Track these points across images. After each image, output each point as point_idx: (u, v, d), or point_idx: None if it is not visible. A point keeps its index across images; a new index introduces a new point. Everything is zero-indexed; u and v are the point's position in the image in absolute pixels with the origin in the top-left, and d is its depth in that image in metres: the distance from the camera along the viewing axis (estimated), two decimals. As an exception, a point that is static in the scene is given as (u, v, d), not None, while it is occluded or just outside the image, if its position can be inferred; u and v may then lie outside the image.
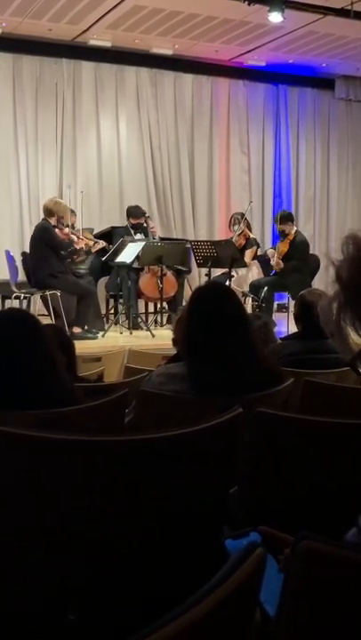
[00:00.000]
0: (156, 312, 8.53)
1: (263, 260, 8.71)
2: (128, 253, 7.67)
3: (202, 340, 2.48)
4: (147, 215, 8.94)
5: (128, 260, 7.66)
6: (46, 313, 7.36)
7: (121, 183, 10.21)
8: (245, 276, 8.64)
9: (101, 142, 10.16)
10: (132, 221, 8.68)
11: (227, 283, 7.33)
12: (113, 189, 10.15)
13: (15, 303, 7.46)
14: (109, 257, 7.95)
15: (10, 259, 7.89)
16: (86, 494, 1.59)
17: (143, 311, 8.94)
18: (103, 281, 8.85)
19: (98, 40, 9.40)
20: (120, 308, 8.44)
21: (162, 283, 8.03)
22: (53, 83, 9.85)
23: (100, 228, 9.16)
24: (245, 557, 0.90)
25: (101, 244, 8.15)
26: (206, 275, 8.15)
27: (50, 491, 1.58)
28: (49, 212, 7.55)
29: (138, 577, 1.61)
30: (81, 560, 1.59)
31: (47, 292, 7.26)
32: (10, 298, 7.73)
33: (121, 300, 8.36)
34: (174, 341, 3.41)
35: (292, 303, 6.97)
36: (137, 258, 7.74)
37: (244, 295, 7.98)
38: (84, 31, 9.06)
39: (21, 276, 7.84)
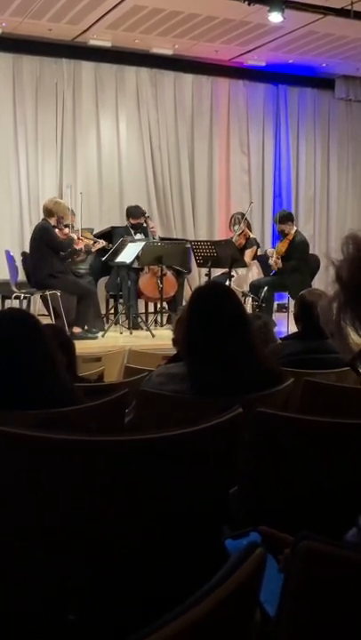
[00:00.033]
0: (156, 312, 8.53)
1: (263, 260, 8.71)
2: (128, 253, 7.67)
3: (202, 340, 2.48)
4: (146, 215, 8.94)
5: (128, 260, 7.66)
6: (46, 313, 7.36)
7: (121, 183, 10.21)
8: (245, 276, 8.64)
9: (101, 142, 10.16)
10: (132, 221, 8.68)
11: (227, 283, 7.33)
12: (113, 189, 10.15)
13: (15, 303, 7.46)
14: (109, 257, 7.96)
15: (10, 259, 7.89)
16: (86, 494, 1.59)
17: (143, 311, 8.94)
18: (103, 281, 8.85)
19: (98, 40, 9.40)
20: (120, 307, 8.44)
21: (162, 283, 8.04)
22: (53, 83, 9.85)
23: (100, 228, 9.16)
24: (245, 557, 0.90)
25: (101, 243, 8.15)
26: (206, 275, 8.15)
27: (50, 491, 1.58)
28: (49, 212, 7.55)
29: (138, 577, 1.61)
30: (81, 560, 1.59)
31: (47, 292, 7.26)
32: (10, 298, 7.73)
33: (121, 300, 8.36)
34: (174, 341, 3.41)
35: (292, 303, 6.97)
36: (137, 258, 7.74)
37: (244, 295, 7.98)
38: (84, 31, 9.06)
39: (21, 276, 7.84)
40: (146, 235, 8.67)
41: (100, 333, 7.41)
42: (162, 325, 8.18)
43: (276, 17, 8.11)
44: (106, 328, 7.67)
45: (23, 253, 8.09)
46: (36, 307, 7.49)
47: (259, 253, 8.89)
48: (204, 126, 10.75)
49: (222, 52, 9.96)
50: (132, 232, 8.54)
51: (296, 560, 0.96)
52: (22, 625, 1.57)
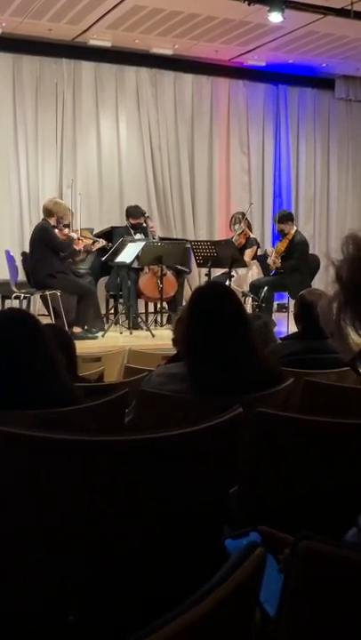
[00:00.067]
0: (156, 312, 8.53)
1: (263, 260, 8.71)
2: (128, 253, 7.67)
3: (202, 340, 2.48)
4: (146, 215, 8.94)
5: (128, 260, 7.66)
6: (46, 313, 7.36)
7: (121, 183, 10.21)
8: (245, 276, 8.64)
9: (101, 142, 10.16)
10: (132, 221, 8.68)
11: (227, 283, 7.33)
12: (113, 189, 10.15)
13: (15, 303, 7.46)
14: (109, 257, 7.96)
15: (10, 259, 7.89)
16: (86, 494, 1.59)
17: (143, 311, 8.94)
18: (103, 281, 8.85)
19: (98, 40, 9.40)
20: (120, 307, 8.44)
21: (162, 283, 8.04)
22: (53, 83, 9.85)
23: (100, 228, 9.16)
24: (245, 557, 0.90)
25: (101, 242, 8.15)
26: (206, 275, 8.15)
27: (50, 491, 1.58)
28: (48, 212, 7.55)
29: (138, 577, 1.61)
30: (81, 560, 1.59)
31: (47, 292, 7.27)
32: (10, 298, 7.73)
33: (121, 300, 8.36)
34: (174, 341, 3.41)
35: (292, 303, 6.97)
36: (137, 258, 7.74)
37: (244, 295, 7.98)
38: (84, 31, 9.06)
39: (21, 276, 7.84)
40: (146, 235, 8.67)
41: (100, 333, 7.42)
42: (162, 325, 8.18)
43: (276, 17, 8.11)
44: (106, 328, 7.67)
45: (23, 253, 8.09)
46: (36, 307, 7.49)
47: (259, 253, 8.89)
48: (204, 126, 10.75)
49: (222, 52, 9.96)
50: (132, 232, 8.54)
51: (296, 560, 0.96)
52: (22, 625, 1.57)
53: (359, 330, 1.20)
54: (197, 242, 8.44)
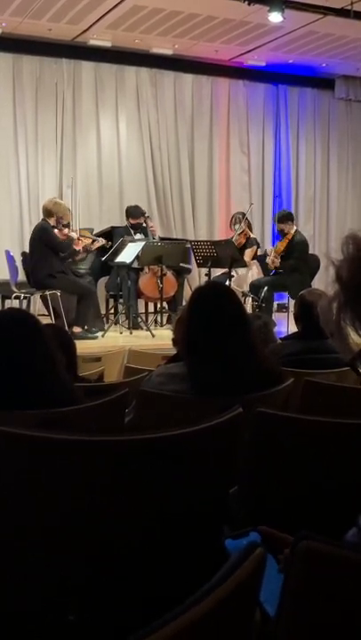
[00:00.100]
0: (156, 312, 8.53)
1: (263, 260, 8.72)
2: (128, 253, 7.67)
3: (202, 340, 2.48)
4: (146, 215, 8.94)
5: (128, 260, 7.67)
6: (46, 313, 7.36)
7: (121, 183, 10.21)
8: (245, 276, 8.64)
9: (101, 142, 10.16)
10: (132, 221, 8.68)
11: (227, 283, 7.33)
12: (113, 189, 10.15)
13: (15, 303, 7.46)
14: (109, 257, 7.96)
15: (10, 259, 7.89)
16: (86, 494, 1.59)
17: (143, 311, 8.94)
18: (103, 281, 8.86)
19: (98, 40, 9.40)
20: (120, 307, 8.44)
21: (162, 283, 8.04)
22: (53, 83, 9.85)
23: (100, 228, 9.16)
24: (245, 557, 0.90)
25: (100, 241, 8.15)
26: (206, 275, 8.15)
27: (50, 491, 1.58)
28: (48, 212, 7.55)
29: (138, 577, 1.61)
30: (81, 560, 1.59)
31: (47, 292, 7.27)
32: (10, 298, 7.73)
33: (121, 300, 8.36)
34: (174, 341, 3.41)
35: (292, 303, 6.97)
36: (137, 258, 7.74)
37: (244, 295, 7.98)
38: (84, 31, 9.06)
39: (21, 276, 7.84)
40: (145, 234, 8.67)
41: (100, 333, 7.41)
42: (162, 325, 8.18)
43: (276, 17, 8.12)
44: (106, 328, 7.67)
45: (23, 253, 8.09)
46: (36, 307, 7.49)
47: (259, 253, 8.89)
48: (204, 126, 10.75)
49: (222, 52, 9.96)
50: (132, 232, 8.54)
51: (296, 560, 0.96)
52: (22, 625, 1.57)
53: (359, 330, 1.20)
54: (197, 242, 8.44)
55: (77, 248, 7.61)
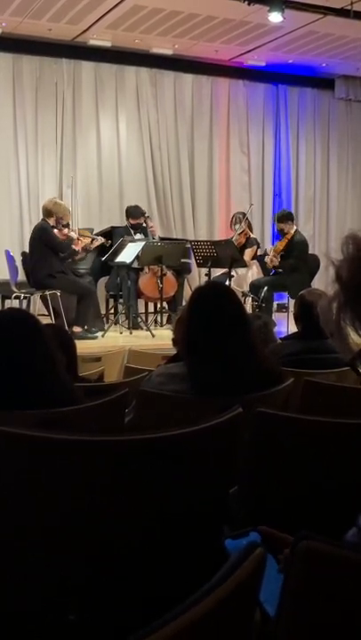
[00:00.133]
0: (156, 312, 8.53)
1: (263, 260, 8.72)
2: (128, 253, 7.67)
3: (202, 340, 2.48)
4: (146, 215, 8.94)
5: (128, 260, 7.67)
6: (46, 313, 7.36)
7: (121, 183, 10.21)
8: (245, 276, 8.65)
9: (101, 142, 10.16)
10: (132, 221, 8.68)
11: (227, 283, 7.34)
12: (113, 189, 10.15)
13: (15, 303, 7.46)
14: (109, 257, 7.96)
15: (10, 259, 7.89)
16: (86, 494, 1.59)
17: (143, 311, 8.94)
18: (103, 281, 8.86)
19: (98, 40, 9.40)
20: (120, 307, 8.44)
21: (162, 283, 8.04)
22: (53, 83, 9.85)
23: (100, 228, 9.16)
24: (245, 557, 0.90)
25: (99, 240, 8.15)
26: (206, 275, 8.15)
27: (50, 491, 1.58)
28: (48, 212, 7.55)
29: (138, 577, 1.61)
30: (81, 560, 1.59)
31: (47, 292, 7.27)
32: (10, 298, 7.73)
33: (121, 300, 8.36)
34: (174, 341, 3.41)
35: (292, 303, 6.97)
36: (137, 258, 7.74)
37: (244, 295, 7.99)
38: (84, 31, 9.06)
39: (21, 276, 7.84)
40: (145, 234, 8.67)
41: (100, 333, 7.41)
42: (162, 325, 8.18)
43: (276, 17, 8.12)
44: (106, 328, 7.67)
45: (23, 253, 8.09)
46: (36, 307, 7.49)
47: (259, 253, 8.90)
48: (204, 126, 10.75)
49: (222, 52, 9.96)
50: (132, 232, 8.54)
51: (296, 560, 0.96)
52: (22, 625, 1.57)
53: (359, 330, 1.20)
54: (197, 242, 8.44)
55: (77, 248, 7.61)
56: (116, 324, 8.01)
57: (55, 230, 7.48)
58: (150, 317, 8.64)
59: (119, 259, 7.72)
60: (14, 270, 7.77)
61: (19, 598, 1.58)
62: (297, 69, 10.62)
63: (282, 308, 8.91)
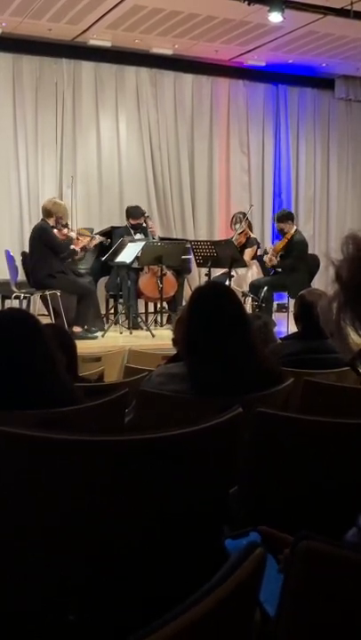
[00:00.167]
0: (156, 312, 8.53)
1: (263, 260, 8.72)
2: (128, 253, 7.67)
3: (202, 340, 2.48)
4: (146, 215, 8.94)
5: (128, 260, 7.67)
6: (46, 313, 7.36)
7: (121, 183, 10.21)
8: (245, 276, 8.65)
9: (101, 142, 10.16)
10: (132, 222, 8.67)
11: (227, 283, 7.34)
12: (113, 189, 10.15)
13: (15, 303, 7.46)
14: (109, 257, 7.96)
15: (10, 259, 7.89)
16: (86, 494, 1.59)
17: (143, 311, 8.94)
18: (103, 281, 8.86)
19: (98, 40, 9.40)
20: (120, 307, 8.44)
21: (162, 283, 8.03)
22: (53, 83, 9.85)
23: (99, 228, 9.16)
24: (245, 557, 0.90)
25: (98, 238, 8.14)
26: (206, 275, 8.15)
27: (50, 491, 1.58)
28: (47, 212, 7.55)
29: (138, 577, 1.61)
30: (81, 560, 1.59)
31: (47, 292, 7.27)
32: (10, 298, 7.73)
33: (121, 300, 8.36)
34: (174, 341, 3.41)
35: (291, 303, 6.97)
36: (137, 258, 7.74)
37: (244, 295, 7.99)
38: (84, 31, 9.06)
39: (21, 276, 7.85)
40: (145, 235, 8.67)
41: (100, 333, 7.41)
42: (162, 325, 8.18)
43: (276, 17, 8.12)
44: (106, 328, 7.67)
45: (23, 253, 8.09)
46: (36, 307, 7.49)
47: (259, 253, 8.90)
48: (204, 126, 10.75)
49: (222, 52, 9.96)
50: (132, 232, 8.54)
51: (296, 560, 0.96)
52: (22, 625, 1.57)
53: (359, 330, 1.20)
54: (197, 242, 8.44)
55: (77, 248, 7.61)
56: (116, 324, 8.01)
57: (55, 230, 7.48)
58: (150, 317, 8.64)
59: (119, 259, 7.72)
60: (14, 270, 7.77)
61: (19, 598, 1.58)
62: (297, 69, 10.62)
63: (282, 308, 8.91)
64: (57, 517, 1.58)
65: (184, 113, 10.61)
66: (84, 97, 10.00)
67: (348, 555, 0.96)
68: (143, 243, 7.95)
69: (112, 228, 8.99)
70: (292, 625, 0.98)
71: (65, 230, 7.59)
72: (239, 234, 8.73)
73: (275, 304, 8.79)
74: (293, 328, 4.08)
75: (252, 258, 8.75)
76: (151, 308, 8.98)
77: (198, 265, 8.24)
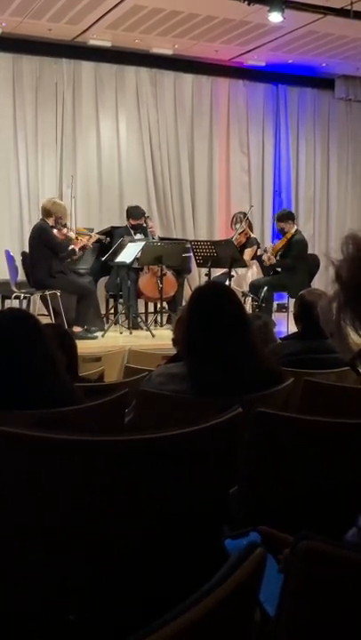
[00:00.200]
0: (156, 312, 8.53)
1: (262, 259, 8.72)
2: (128, 253, 7.67)
3: (202, 340, 2.48)
4: (146, 215, 8.94)
5: (128, 260, 7.66)
6: (46, 313, 7.36)
7: (121, 183, 10.21)
8: (245, 275, 8.65)
9: (101, 142, 10.16)
10: (132, 222, 8.66)
11: (227, 283, 7.34)
12: (113, 189, 10.15)
13: (15, 303, 7.46)
14: (109, 257, 7.96)
15: (10, 259, 7.89)
16: (86, 494, 1.59)
17: (143, 311, 8.94)
18: (103, 281, 8.86)
19: (98, 40, 9.40)
20: (120, 307, 8.44)
21: (162, 283, 8.03)
22: (53, 83, 9.85)
23: (100, 228, 9.16)
24: (245, 557, 0.90)
25: (95, 236, 8.14)
26: (206, 275, 8.15)
27: (50, 491, 1.58)
28: (47, 212, 7.55)
29: (138, 577, 1.61)
30: (81, 560, 1.59)
31: (47, 292, 7.27)
32: (10, 298, 7.73)
33: (121, 300, 8.36)
34: (174, 341, 3.41)
35: (292, 303, 6.97)
36: (136, 258, 7.74)
37: (244, 295, 7.99)
38: (84, 31, 9.06)
39: (21, 276, 7.85)
40: (145, 235, 8.67)
41: (100, 333, 7.41)
42: (162, 325, 8.18)
43: (276, 17, 8.11)
44: (106, 328, 7.67)
45: (23, 253, 8.09)
46: (36, 307, 7.49)
47: (258, 253, 8.90)
48: (204, 126, 10.75)
49: (222, 52, 9.96)
50: (132, 232, 8.54)
51: (296, 560, 0.96)
52: (22, 625, 1.57)
53: (359, 330, 1.20)
54: (197, 242, 8.44)
55: (76, 247, 7.61)
56: (116, 324, 8.00)
57: (54, 230, 7.48)
58: (150, 317, 8.64)
59: (119, 259, 7.72)
60: (14, 270, 7.77)
61: (19, 598, 1.58)
62: (297, 69, 10.62)
63: (282, 308, 8.91)
64: (57, 517, 1.58)
65: (184, 113, 10.61)
66: (84, 97, 9.99)
67: (349, 555, 0.96)
68: (143, 243, 7.95)
69: (112, 228, 8.99)
70: (292, 625, 0.98)
71: (64, 230, 7.59)
72: (239, 233, 8.73)
73: (275, 304, 8.79)
74: (293, 328, 4.07)
75: (252, 258, 8.75)
76: (151, 308, 8.98)
77: (198, 265, 8.24)
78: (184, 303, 7.30)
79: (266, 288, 8.07)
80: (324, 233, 11.51)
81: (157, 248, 8.05)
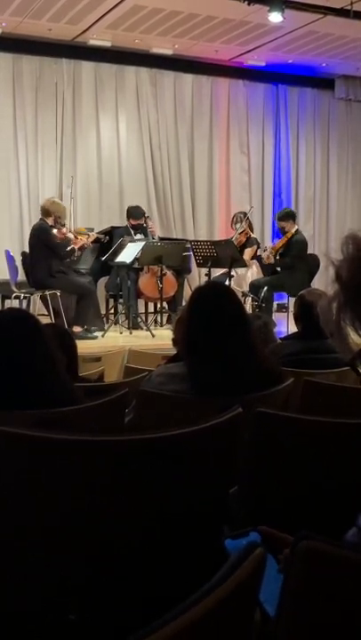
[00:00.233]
0: (156, 312, 8.53)
1: (261, 258, 8.73)
2: (128, 253, 7.67)
3: (202, 340, 2.48)
4: (146, 215, 8.94)
5: (128, 260, 7.66)
6: (46, 313, 7.36)
7: (121, 183, 10.21)
8: (245, 275, 8.65)
9: (101, 142, 10.16)
10: (133, 222, 8.66)
11: (227, 283, 7.34)
12: (113, 189, 10.15)
13: (15, 303, 7.46)
14: (109, 257, 7.96)
15: (10, 259, 7.89)
16: (86, 494, 1.59)
17: (143, 311, 8.94)
18: (103, 281, 8.85)
19: (98, 40, 9.40)
20: (120, 307, 8.44)
21: (162, 283, 8.03)
22: (53, 83, 9.85)
23: (100, 228, 9.16)
24: (245, 557, 0.90)
25: (93, 236, 8.14)
26: (206, 275, 8.15)
27: (50, 491, 1.58)
28: (46, 212, 7.55)
29: (138, 577, 1.61)
30: (81, 560, 1.59)
31: (47, 292, 7.27)
32: (10, 298, 7.74)
33: (121, 300, 8.36)
34: (174, 341, 3.41)
35: (292, 303, 6.97)
36: (136, 258, 7.74)
37: (244, 295, 7.99)
38: (84, 31, 9.06)
39: (21, 276, 7.84)
40: (145, 235, 8.67)
41: (100, 333, 7.41)
42: (162, 325, 8.18)
43: (276, 17, 8.11)
44: (106, 328, 7.67)
45: (23, 253, 8.09)
46: (36, 307, 7.49)
47: (258, 253, 8.90)
48: (204, 126, 10.75)
49: (222, 52, 9.96)
50: (132, 232, 8.54)
51: (296, 560, 0.96)
52: (22, 625, 1.57)
53: (359, 330, 1.20)
54: (197, 242, 8.44)
55: (75, 247, 7.61)
56: (116, 323, 8.00)
57: (54, 230, 7.48)
58: (150, 317, 8.64)
59: (119, 259, 7.72)
60: (14, 270, 7.77)
61: (19, 598, 1.58)
62: (297, 69, 10.62)
63: (282, 308, 8.91)
64: (57, 517, 1.58)
65: (184, 113, 10.60)
66: (84, 97, 9.99)
67: (349, 555, 0.96)
68: (143, 243, 7.95)
69: (112, 227, 8.99)
70: (292, 625, 0.98)
71: (64, 230, 7.59)
72: (240, 233, 8.73)
73: (275, 304, 8.79)
74: (293, 328, 4.07)
75: (252, 258, 8.75)
76: (151, 308, 8.98)
77: (198, 265, 8.24)
78: (184, 303, 7.30)
79: (266, 288, 8.07)
80: (324, 233, 11.51)
81: (157, 248, 8.05)
